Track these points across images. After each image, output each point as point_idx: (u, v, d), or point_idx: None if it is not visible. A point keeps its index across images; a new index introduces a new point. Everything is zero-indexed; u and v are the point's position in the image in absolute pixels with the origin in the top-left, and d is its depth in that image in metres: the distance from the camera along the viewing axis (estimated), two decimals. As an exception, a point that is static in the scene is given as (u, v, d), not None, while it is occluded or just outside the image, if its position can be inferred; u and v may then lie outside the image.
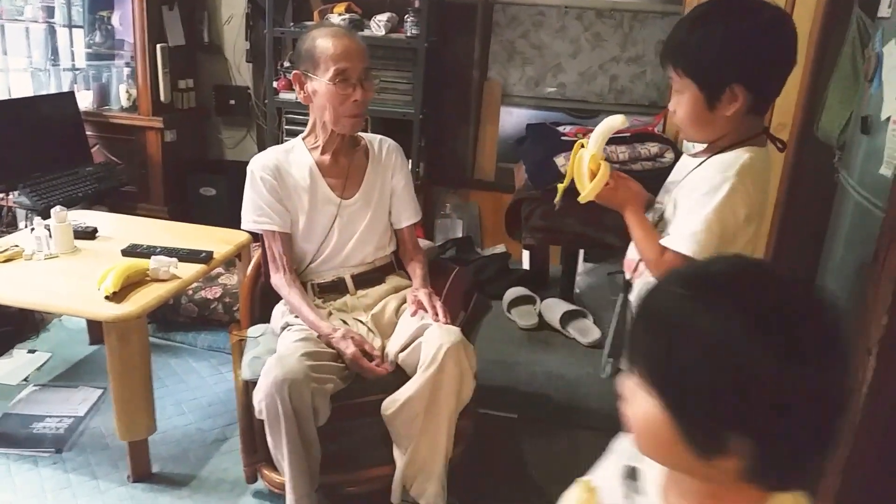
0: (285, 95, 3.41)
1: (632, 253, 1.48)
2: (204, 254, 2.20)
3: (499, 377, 2.65)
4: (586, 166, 1.39)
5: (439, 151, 3.74)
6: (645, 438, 0.75)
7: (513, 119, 3.84)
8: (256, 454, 1.89)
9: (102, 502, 1.98)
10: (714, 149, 1.35)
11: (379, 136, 2.06)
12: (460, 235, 3.78)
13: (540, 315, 3.05)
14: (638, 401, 0.73)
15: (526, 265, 3.48)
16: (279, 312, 1.97)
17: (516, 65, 3.75)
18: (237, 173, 3.75)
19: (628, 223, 1.41)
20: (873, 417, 1.41)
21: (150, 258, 2.05)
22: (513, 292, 3.16)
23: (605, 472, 0.93)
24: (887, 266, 1.36)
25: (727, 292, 0.67)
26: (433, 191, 3.80)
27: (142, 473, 2.07)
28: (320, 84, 1.84)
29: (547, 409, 2.52)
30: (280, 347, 1.78)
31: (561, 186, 1.45)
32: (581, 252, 3.38)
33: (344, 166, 1.97)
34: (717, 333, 0.65)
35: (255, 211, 1.92)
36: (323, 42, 1.83)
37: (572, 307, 3.02)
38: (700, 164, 1.35)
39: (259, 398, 1.65)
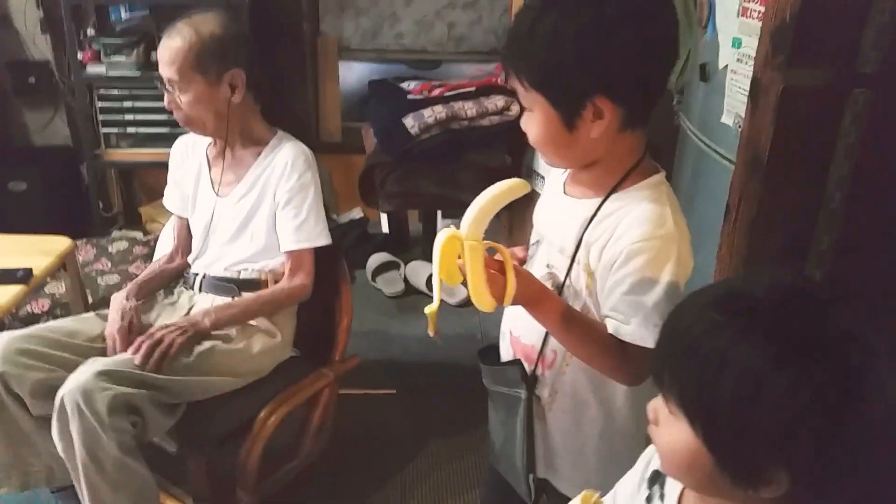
0: (94, 69, 3.02)
1: (528, 337, 1.12)
2: (21, 272, 1.92)
3: (372, 352, 2.57)
4: (481, 262, 0.93)
5: (278, 115, 3.48)
6: (677, 465, 0.73)
7: (353, 74, 3.66)
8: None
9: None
10: (599, 181, 1.04)
11: (290, 143, 1.80)
12: (313, 203, 3.61)
13: (406, 280, 3.00)
14: (670, 428, 0.71)
15: (385, 228, 3.39)
16: None
17: (350, 16, 3.55)
18: (51, 160, 3.37)
19: (552, 321, 1.00)
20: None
21: (-48, 289, 1.76)
22: (376, 259, 3.07)
23: (635, 475, 0.91)
24: (739, 220, 1.40)
25: (766, 321, 0.64)
26: (278, 159, 3.58)
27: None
28: None
29: (424, 378, 2.50)
30: None
31: (432, 311, 0.97)
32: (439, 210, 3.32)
33: (228, 161, 1.81)
34: (757, 367, 0.62)
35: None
36: None
37: (437, 268, 2.98)
38: (596, 212, 1.02)
39: None
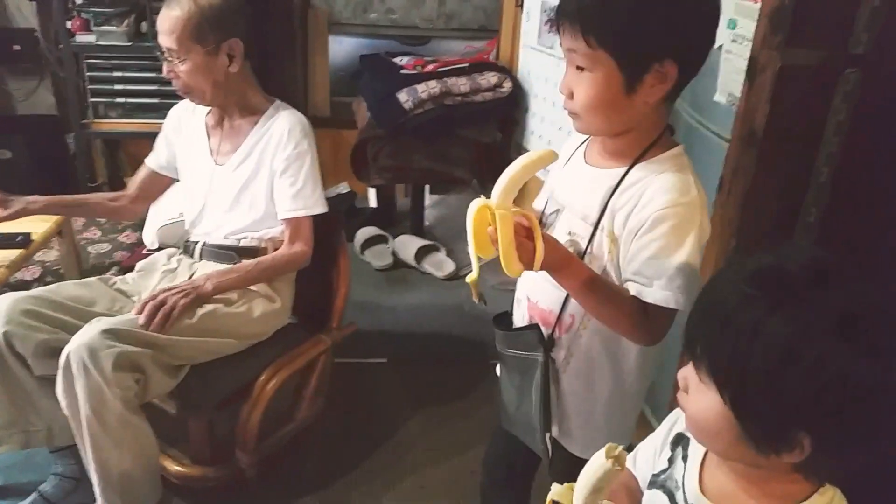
0: (84, 38, 2.99)
1: (546, 302, 1.16)
2: (20, 237, 1.94)
3: (363, 322, 2.60)
4: (511, 230, 0.95)
5: (268, 88, 3.47)
6: (705, 431, 0.76)
7: (343, 49, 3.66)
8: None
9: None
10: (625, 152, 1.07)
11: (286, 111, 1.82)
12: (300, 177, 3.62)
13: (394, 254, 3.04)
14: (700, 395, 0.74)
15: (373, 203, 3.42)
16: None
17: (340, -10, 3.55)
18: (36, 129, 3.33)
19: (576, 285, 1.03)
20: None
21: (-47, 251, 1.77)
22: (364, 233, 3.10)
23: (657, 437, 0.94)
24: (733, 193, 1.46)
25: (802, 296, 0.66)
26: (266, 132, 3.57)
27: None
28: None
29: (415, 348, 2.55)
30: None
31: (473, 279, 0.99)
32: (427, 185, 3.36)
33: (226, 130, 1.83)
34: (792, 340, 0.65)
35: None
36: None
37: (425, 242, 3.03)
38: (621, 180, 1.06)
39: None
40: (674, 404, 1.80)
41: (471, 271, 1.00)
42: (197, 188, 1.88)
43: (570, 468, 1.17)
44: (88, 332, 1.50)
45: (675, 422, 0.92)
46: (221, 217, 1.85)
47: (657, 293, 1.00)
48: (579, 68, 1.01)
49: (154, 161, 1.95)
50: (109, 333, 1.50)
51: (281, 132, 1.77)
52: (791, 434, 0.68)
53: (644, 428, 1.93)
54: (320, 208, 1.83)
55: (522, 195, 1.01)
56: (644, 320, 1.03)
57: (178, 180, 1.97)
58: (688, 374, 0.76)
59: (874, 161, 1.38)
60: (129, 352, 1.51)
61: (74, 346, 1.48)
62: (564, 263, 1.01)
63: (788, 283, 0.68)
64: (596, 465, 0.78)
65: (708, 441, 0.78)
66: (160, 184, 1.97)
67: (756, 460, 0.72)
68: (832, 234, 1.41)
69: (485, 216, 0.96)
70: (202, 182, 1.86)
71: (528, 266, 0.96)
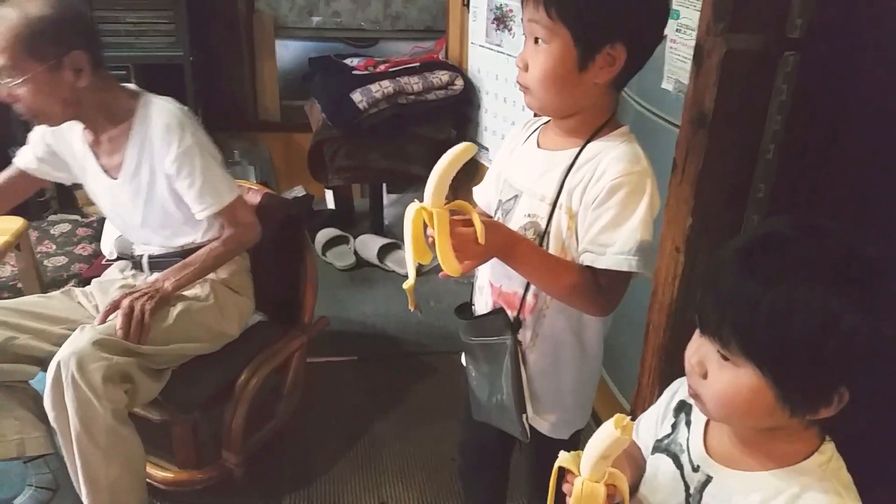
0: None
1: (510, 285, 1.18)
2: (-23, 252, 1.89)
3: (332, 322, 2.64)
4: (447, 226, 0.96)
5: (216, 95, 3.48)
6: (737, 407, 0.76)
7: (290, 53, 3.67)
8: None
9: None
10: (577, 132, 1.11)
11: (156, 108, 1.67)
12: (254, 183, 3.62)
13: (356, 253, 3.07)
14: (726, 375, 0.76)
15: (331, 205, 3.44)
16: None
17: (284, -6, 3.56)
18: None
19: (528, 262, 1.07)
20: (683, 305, 1.64)
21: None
22: (324, 234, 3.12)
23: (659, 407, 0.98)
24: (687, 174, 1.55)
25: (816, 268, 0.71)
26: (217, 138, 3.53)
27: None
28: None
29: (384, 344, 2.59)
30: None
31: (409, 286, 1.01)
32: (384, 184, 3.40)
33: (104, 144, 1.72)
34: (824, 306, 0.69)
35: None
36: None
37: (386, 240, 3.06)
38: (576, 158, 1.09)
39: None
40: (643, 380, 1.88)
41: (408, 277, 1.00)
42: (108, 208, 1.82)
43: (543, 447, 1.22)
44: (79, 342, 1.49)
45: (676, 391, 0.96)
46: (145, 231, 1.80)
47: (610, 259, 1.04)
48: (537, 42, 1.05)
49: (24, 160, 1.77)
50: (99, 344, 1.49)
51: (160, 133, 1.65)
52: (831, 391, 0.72)
53: (613, 405, 2.01)
54: (230, 196, 1.72)
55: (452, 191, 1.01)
56: (597, 289, 1.07)
57: (46, 185, 1.89)
58: (704, 357, 0.78)
59: (814, 137, 1.49)
60: (119, 363, 1.51)
61: (64, 356, 1.47)
62: (511, 243, 1.05)
63: (794, 253, 0.72)
64: (605, 434, 0.80)
65: (739, 416, 0.79)
66: (23, 187, 1.82)
67: (778, 424, 0.76)
68: (781, 208, 1.52)
69: (420, 220, 0.97)
70: (108, 201, 1.79)
71: (471, 255, 0.99)
